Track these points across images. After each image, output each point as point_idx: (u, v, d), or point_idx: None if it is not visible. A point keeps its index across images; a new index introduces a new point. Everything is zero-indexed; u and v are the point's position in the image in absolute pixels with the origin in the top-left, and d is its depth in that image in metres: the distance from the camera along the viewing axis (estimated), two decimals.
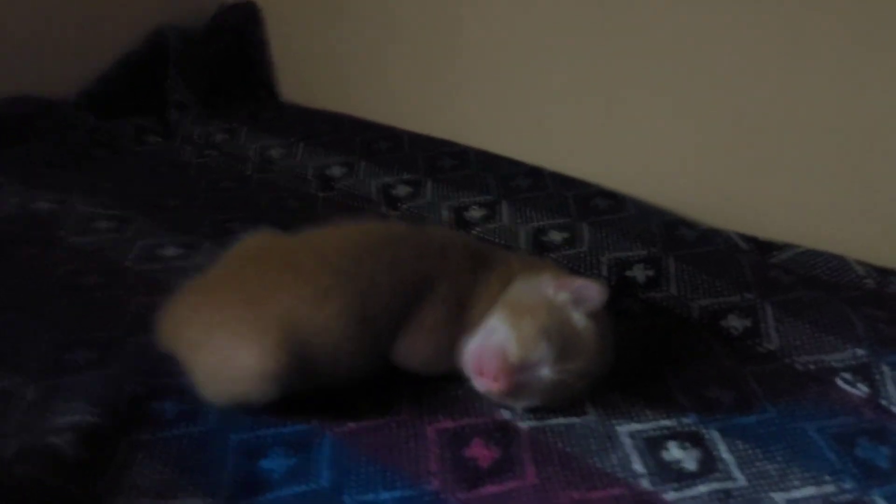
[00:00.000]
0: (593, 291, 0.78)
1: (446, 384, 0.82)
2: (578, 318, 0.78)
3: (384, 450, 0.73)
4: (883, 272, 1.03)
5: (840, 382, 0.86)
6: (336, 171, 1.35)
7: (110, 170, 1.38)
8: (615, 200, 1.23)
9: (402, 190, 1.28)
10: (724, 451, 0.75)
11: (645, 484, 0.71)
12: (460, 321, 0.80)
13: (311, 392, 0.77)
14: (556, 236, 1.14)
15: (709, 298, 1.00)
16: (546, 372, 0.75)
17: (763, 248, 1.12)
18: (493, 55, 1.38)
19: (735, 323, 0.96)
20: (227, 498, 0.67)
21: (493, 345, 0.76)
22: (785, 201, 1.15)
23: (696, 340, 0.94)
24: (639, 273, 1.05)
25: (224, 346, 0.73)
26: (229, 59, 1.65)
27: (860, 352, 0.88)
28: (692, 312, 0.98)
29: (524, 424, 0.78)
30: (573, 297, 0.78)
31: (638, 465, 0.73)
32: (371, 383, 0.80)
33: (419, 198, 1.26)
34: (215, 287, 0.78)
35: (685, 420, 0.79)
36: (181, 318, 0.77)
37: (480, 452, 0.73)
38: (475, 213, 1.21)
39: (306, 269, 0.77)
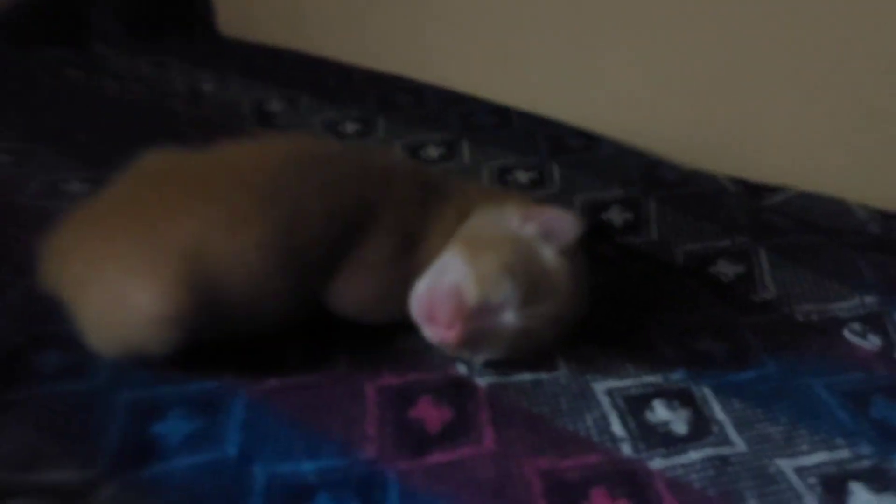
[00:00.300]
0: (565, 223, 0.65)
1: (391, 334, 0.69)
2: (548, 255, 0.65)
3: (312, 411, 0.60)
4: (887, 217, 0.92)
5: (848, 334, 0.75)
6: (275, 106, 1.21)
7: (18, 102, 1.21)
8: (589, 140, 1.10)
9: (350, 127, 1.13)
10: (718, 412, 0.64)
11: (626, 450, 0.59)
12: (408, 259, 0.67)
13: (225, 342, 0.63)
14: (522, 176, 1.01)
15: (695, 243, 0.88)
16: (510, 317, 0.62)
17: (753, 190, 1.00)
18: None
19: (725, 269, 0.84)
20: (106, 470, 0.53)
21: (446, 285, 0.63)
22: (777, 140, 1.03)
23: (681, 288, 0.82)
24: (615, 216, 0.93)
25: (113, 283, 0.59)
26: None
27: (869, 300, 0.77)
28: (676, 258, 0.87)
29: (482, 381, 0.65)
30: (542, 229, 0.65)
31: (617, 428, 0.61)
32: (300, 332, 0.67)
33: (369, 136, 1.11)
34: (104, 214, 0.63)
35: (672, 376, 0.67)
36: (64, 251, 0.63)
37: (428, 413, 0.61)
38: (432, 151, 1.07)
39: (217, 189, 0.63)
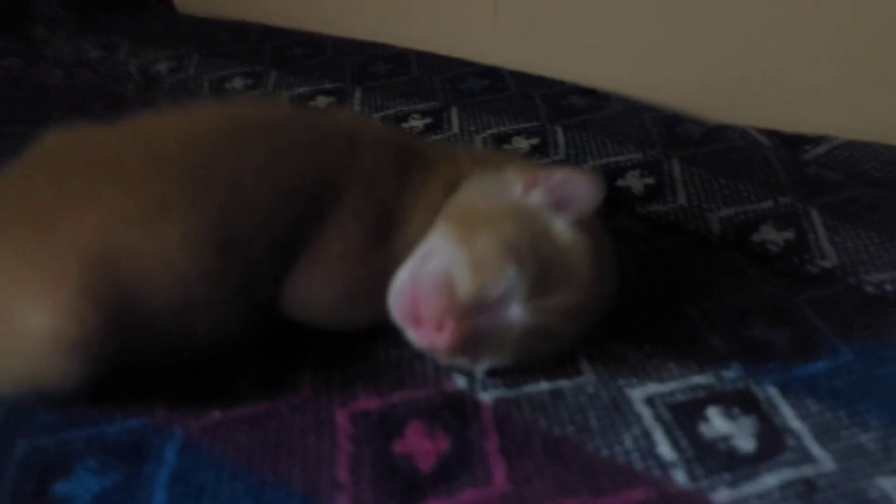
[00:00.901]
0: (581, 186, 0.51)
1: (367, 343, 0.54)
2: (562, 229, 0.50)
3: (264, 452, 0.46)
4: None
5: None
6: (239, 83, 1.06)
7: None
8: (595, 98, 0.95)
9: (321, 101, 0.99)
10: (791, 418, 0.50)
11: (679, 478, 0.45)
12: (383, 247, 0.52)
13: (153, 368, 0.49)
14: (521, 143, 0.86)
15: (731, 207, 0.74)
16: (516, 312, 0.48)
17: (791, 142, 0.85)
18: None
19: (772, 236, 0.69)
20: None
21: (432, 274, 0.48)
22: (813, 84, 0.88)
23: (721, 263, 0.68)
24: (634, 182, 0.79)
25: None
26: None
27: None
28: (711, 226, 0.72)
29: (487, 395, 0.51)
30: (552, 196, 0.51)
31: (665, 449, 0.47)
32: (252, 347, 0.52)
33: (344, 109, 0.96)
34: None
35: (726, 374, 0.53)
36: None
37: (419, 445, 0.46)
38: (416, 122, 0.93)
39: (132, 172, 0.48)
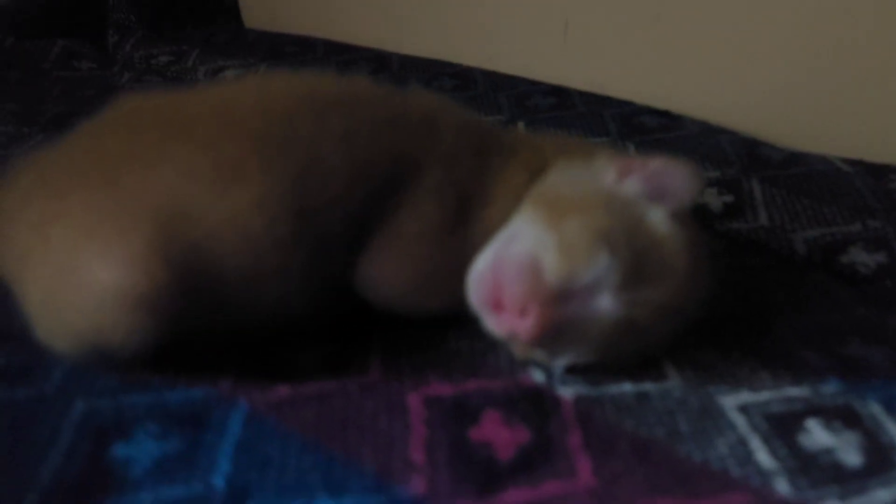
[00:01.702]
0: (680, 175, 0.48)
1: (442, 329, 0.52)
2: (658, 220, 0.48)
3: (334, 430, 0.43)
4: None
5: None
6: None
7: (22, 93, 1.08)
8: (668, 118, 0.93)
9: None
10: None
11: (782, 487, 0.41)
12: (463, 230, 0.50)
13: (218, 337, 0.47)
14: None
15: (817, 228, 0.70)
16: (606, 303, 0.45)
17: (875, 171, 0.81)
18: None
19: (862, 258, 0.66)
20: None
21: (517, 257, 0.46)
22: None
23: (809, 282, 0.64)
24: (712, 199, 0.75)
25: (62, 251, 0.43)
26: None
27: None
28: (796, 246, 0.69)
29: (567, 392, 0.48)
30: (647, 186, 0.48)
31: (764, 457, 0.43)
32: (320, 326, 0.50)
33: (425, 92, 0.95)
34: (59, 166, 0.48)
35: (825, 388, 0.49)
36: (6, 215, 0.47)
37: (497, 434, 0.43)
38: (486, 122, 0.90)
39: (205, 132, 0.47)
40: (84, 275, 0.42)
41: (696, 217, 0.71)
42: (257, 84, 0.52)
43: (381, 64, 1.15)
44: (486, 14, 1.13)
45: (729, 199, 0.75)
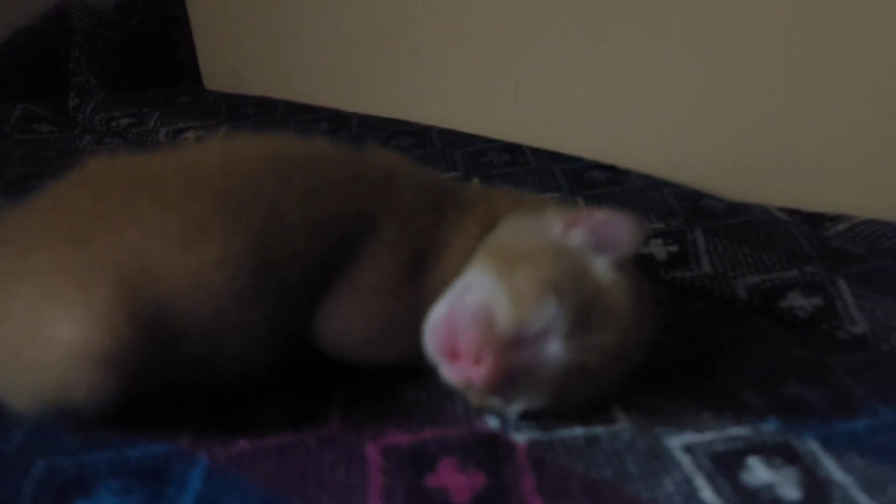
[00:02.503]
0: (622, 227, 0.51)
1: (398, 380, 0.53)
2: (602, 269, 0.50)
3: (294, 481, 0.44)
4: None
5: None
6: None
7: None
8: (615, 173, 0.97)
9: None
10: (834, 471, 0.48)
11: None
12: (419, 282, 0.52)
13: (179, 394, 0.48)
14: None
15: (757, 275, 0.73)
16: (555, 349, 0.47)
17: (811, 220, 0.86)
18: (453, 20, 1.13)
19: (800, 302, 0.69)
20: None
21: (471, 306, 0.48)
22: (832, 166, 0.90)
23: (749, 326, 0.67)
24: (657, 250, 0.79)
25: (26, 309, 0.44)
26: (142, 39, 1.38)
27: None
28: (737, 292, 0.72)
29: (521, 437, 0.49)
30: (592, 237, 0.51)
31: (708, 495, 0.45)
32: (279, 379, 0.51)
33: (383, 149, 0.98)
34: (25, 225, 0.49)
35: (765, 427, 0.52)
36: None
37: (454, 480, 0.45)
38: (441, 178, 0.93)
39: (172, 192, 0.49)
40: (48, 332, 0.43)
41: (643, 266, 0.74)
42: (222, 145, 0.54)
43: (341, 123, 1.18)
44: (441, 75, 1.17)
45: (674, 248, 0.79)
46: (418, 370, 0.51)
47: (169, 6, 1.39)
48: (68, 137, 1.21)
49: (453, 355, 0.48)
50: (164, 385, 0.46)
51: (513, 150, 1.05)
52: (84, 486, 0.43)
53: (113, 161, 0.53)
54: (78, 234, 0.46)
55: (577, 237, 0.51)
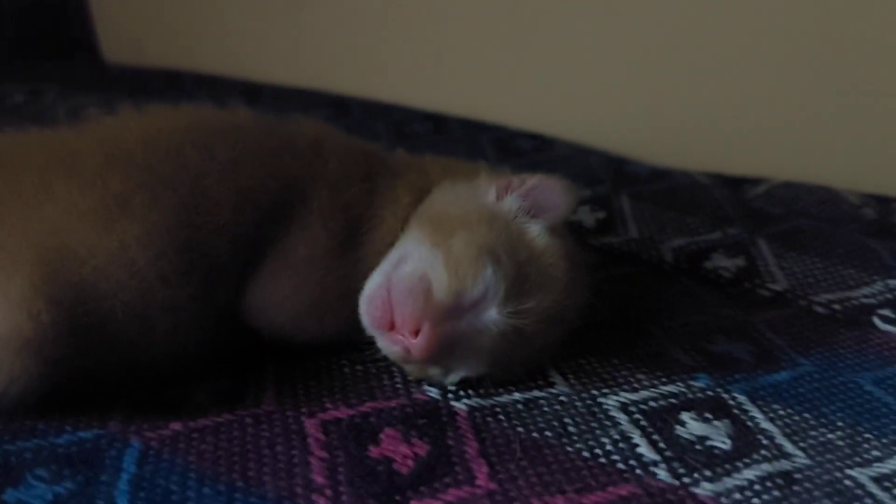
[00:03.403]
0: (556, 191, 0.51)
1: (334, 355, 0.52)
2: (537, 234, 0.51)
3: (231, 459, 0.43)
4: (884, 200, 0.83)
5: (879, 322, 0.63)
6: None
7: None
8: (541, 141, 0.98)
9: None
10: (762, 420, 0.50)
11: (662, 475, 0.44)
12: (352, 252, 0.51)
13: (106, 378, 0.46)
14: None
15: (682, 238, 0.76)
16: (492, 315, 0.47)
17: (732, 183, 0.89)
18: None
19: (724, 262, 0.71)
20: None
21: (407, 277, 0.47)
22: (751, 130, 0.93)
23: (677, 288, 0.69)
24: (585, 216, 0.80)
25: None
26: (34, 11, 1.30)
27: (893, 283, 0.66)
28: (664, 255, 0.74)
29: (461, 405, 0.49)
30: (526, 202, 0.51)
31: (645, 450, 0.46)
32: (211, 359, 0.49)
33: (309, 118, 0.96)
34: None
35: (695, 383, 0.54)
36: None
37: (396, 449, 0.44)
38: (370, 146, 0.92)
39: (89, 168, 0.46)
40: None
41: (572, 232, 0.75)
42: (140, 118, 0.52)
43: (253, 96, 1.15)
44: (359, 42, 1.15)
45: (601, 214, 0.80)
46: (355, 343, 0.51)
47: None
48: None
49: (390, 327, 0.47)
50: (89, 370, 0.44)
51: (436, 120, 1.04)
52: (11, 477, 0.40)
53: (23, 137, 0.50)
54: None
55: (511, 203, 0.51)
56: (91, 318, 0.43)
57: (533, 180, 0.51)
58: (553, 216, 0.51)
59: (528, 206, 0.51)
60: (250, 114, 0.55)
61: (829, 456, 0.47)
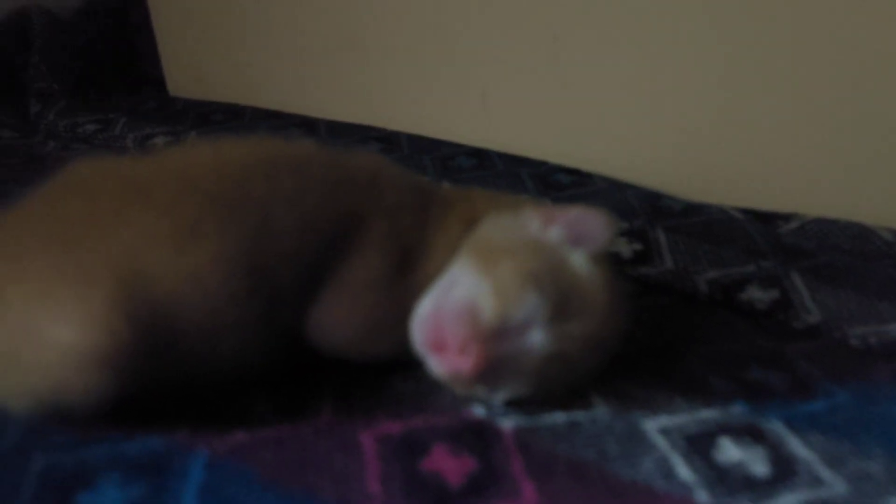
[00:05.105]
0: (596, 222, 0.54)
1: (388, 373, 0.55)
2: (579, 262, 0.53)
3: (292, 469, 0.46)
4: None
5: None
6: None
7: None
8: (579, 176, 1.01)
9: None
10: (798, 448, 0.52)
11: (702, 498, 0.46)
12: (406, 279, 0.54)
13: (176, 392, 0.49)
14: None
15: (717, 270, 0.77)
16: (537, 338, 0.49)
17: (765, 218, 0.91)
18: (421, 26, 1.15)
19: (758, 295, 0.73)
20: None
21: (456, 302, 0.50)
22: (784, 167, 0.95)
23: (713, 318, 0.71)
24: (623, 248, 0.82)
25: (21, 311, 0.45)
26: (105, 45, 1.37)
27: None
28: (699, 286, 0.75)
29: (507, 424, 0.52)
30: (568, 232, 0.54)
31: (685, 472, 0.48)
32: (273, 375, 0.53)
33: (368, 152, 1.00)
34: (19, 226, 0.50)
35: (733, 410, 0.55)
36: None
37: (446, 464, 0.47)
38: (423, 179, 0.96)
39: (163, 195, 0.50)
40: (45, 334, 0.44)
41: (611, 263, 0.77)
42: (210, 148, 0.56)
43: (309, 129, 1.20)
44: (409, 81, 1.19)
45: (638, 246, 0.82)
46: (407, 363, 0.53)
47: (131, 12, 1.38)
48: (31, 144, 1.20)
49: (440, 348, 0.50)
50: (160, 383, 0.47)
51: (480, 155, 1.08)
52: (85, 480, 0.44)
53: (100, 165, 0.54)
54: (70, 237, 0.47)
55: (554, 233, 0.54)
56: (165, 335, 0.46)
57: (574, 212, 0.54)
58: (593, 246, 0.53)
59: (570, 236, 0.54)
60: (314, 145, 0.59)
61: (867, 485, 0.48)
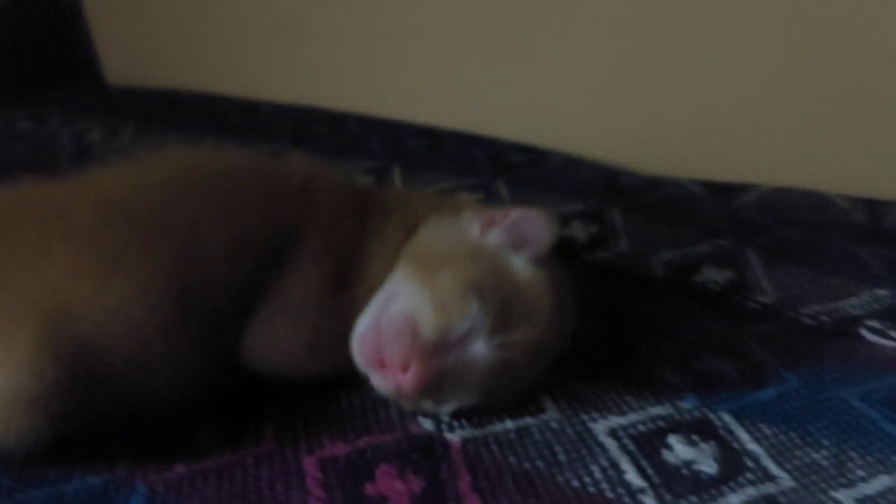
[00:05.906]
0: (537, 223, 0.52)
1: (330, 392, 0.54)
2: (521, 267, 0.52)
3: (234, 501, 0.45)
4: (873, 203, 0.83)
5: (866, 333, 0.64)
6: None
7: None
8: (534, 154, 0.99)
9: None
10: (747, 441, 0.51)
11: (649, 502, 0.45)
12: (344, 293, 0.53)
13: (115, 426, 0.48)
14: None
15: (672, 251, 0.77)
16: (479, 348, 0.48)
17: (723, 191, 0.90)
18: (365, 4, 1.12)
19: (713, 276, 0.73)
20: None
21: (395, 316, 0.49)
22: (742, 137, 0.94)
23: (668, 303, 0.70)
24: (578, 230, 0.81)
25: None
26: (37, 37, 1.32)
27: (882, 292, 0.67)
28: (654, 269, 0.75)
29: (455, 436, 0.51)
30: (509, 235, 0.53)
31: (633, 477, 0.48)
32: (214, 401, 0.51)
33: (298, 155, 0.97)
34: None
35: (683, 404, 0.55)
36: None
37: (392, 486, 0.46)
38: (359, 181, 0.93)
39: (85, 223, 0.48)
40: None
41: (566, 248, 0.76)
42: (131, 170, 0.53)
43: (252, 113, 1.17)
44: (351, 58, 1.16)
45: (593, 229, 0.81)
46: (351, 379, 0.52)
47: (61, 1, 1.33)
48: None
49: (381, 364, 0.49)
50: (96, 418, 0.46)
51: (430, 135, 1.06)
52: None
53: (16, 194, 0.51)
54: None
55: (494, 237, 0.53)
56: (93, 372, 0.44)
57: (514, 214, 0.52)
58: (536, 248, 0.52)
59: (511, 239, 0.52)
60: (241, 156, 0.57)
61: (813, 477, 0.48)
